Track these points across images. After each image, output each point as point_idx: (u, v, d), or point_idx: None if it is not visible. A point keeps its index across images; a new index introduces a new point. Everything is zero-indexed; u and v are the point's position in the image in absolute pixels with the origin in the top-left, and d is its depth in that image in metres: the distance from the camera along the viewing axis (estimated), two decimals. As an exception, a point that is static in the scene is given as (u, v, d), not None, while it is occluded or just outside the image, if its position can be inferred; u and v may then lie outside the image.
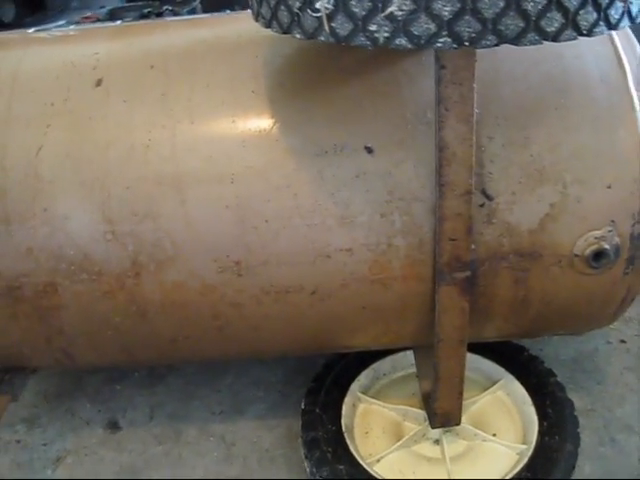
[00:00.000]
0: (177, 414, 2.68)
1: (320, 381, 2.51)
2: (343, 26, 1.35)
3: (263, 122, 1.84)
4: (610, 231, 1.90)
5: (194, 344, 2.09)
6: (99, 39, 2.10)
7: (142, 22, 2.19)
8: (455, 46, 1.31)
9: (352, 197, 1.81)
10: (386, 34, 1.32)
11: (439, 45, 1.31)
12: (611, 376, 2.77)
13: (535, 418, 2.38)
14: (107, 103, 1.90)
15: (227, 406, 2.70)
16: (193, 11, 3.13)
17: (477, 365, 2.55)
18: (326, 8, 1.35)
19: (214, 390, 2.77)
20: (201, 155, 1.83)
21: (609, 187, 1.87)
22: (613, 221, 1.90)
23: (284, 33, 1.49)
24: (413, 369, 2.55)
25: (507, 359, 2.57)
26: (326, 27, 1.37)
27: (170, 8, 2.91)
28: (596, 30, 1.35)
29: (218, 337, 2.05)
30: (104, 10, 3.30)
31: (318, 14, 1.36)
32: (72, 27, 2.15)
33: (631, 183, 1.88)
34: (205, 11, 3.24)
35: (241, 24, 1.88)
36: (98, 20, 3.21)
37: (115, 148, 1.85)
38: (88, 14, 3.28)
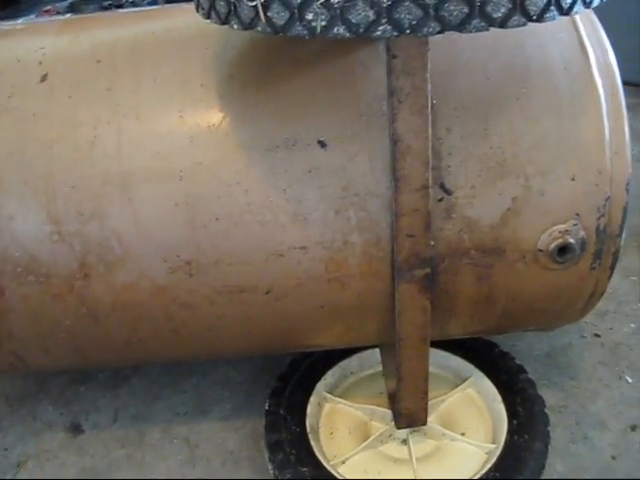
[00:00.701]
0: (141, 416, 2.62)
1: (285, 380, 2.44)
2: (279, 15, 1.29)
3: (212, 117, 1.77)
4: (575, 225, 1.85)
5: (148, 346, 2.03)
6: (46, 33, 2.02)
7: (91, 15, 2.11)
8: (395, 34, 1.24)
9: (305, 193, 1.75)
10: (323, 23, 1.26)
11: (378, 33, 1.24)
12: (585, 371, 2.72)
13: (505, 416, 2.32)
14: (52, 99, 1.83)
15: (191, 407, 2.64)
16: (154, 2, 3.06)
17: (446, 362, 2.50)
18: (262, -3, 1.28)
19: (179, 391, 2.70)
20: (148, 152, 1.76)
21: (573, 179, 1.81)
22: (578, 214, 1.84)
23: (222, 24, 1.42)
24: (380, 367, 2.50)
25: (477, 356, 2.51)
26: (262, 17, 1.31)
27: (130, 0, 2.84)
28: (547, 15, 1.28)
29: (172, 338, 1.98)
30: (65, 3, 3.21)
31: (253, 3, 1.30)
32: (20, 21, 2.07)
33: (595, 174, 1.83)
34: (168, 2, 3.16)
35: (193, 15, 1.79)
36: (58, 13, 3.12)
37: (60, 146, 1.78)
38: (48, 7, 3.19)
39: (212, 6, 1.43)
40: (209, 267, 1.80)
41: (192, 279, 1.81)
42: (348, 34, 1.25)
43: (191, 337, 1.98)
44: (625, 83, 1.90)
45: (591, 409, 2.56)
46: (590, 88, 1.82)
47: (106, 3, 2.86)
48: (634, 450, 2.40)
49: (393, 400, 2.25)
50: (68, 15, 2.42)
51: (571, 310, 2.11)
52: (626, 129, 1.85)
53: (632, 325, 2.92)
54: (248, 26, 1.35)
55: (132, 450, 2.49)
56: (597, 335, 2.86)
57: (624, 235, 1.94)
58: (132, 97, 1.80)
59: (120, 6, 2.84)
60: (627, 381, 2.67)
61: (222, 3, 1.38)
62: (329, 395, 2.43)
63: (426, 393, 2.11)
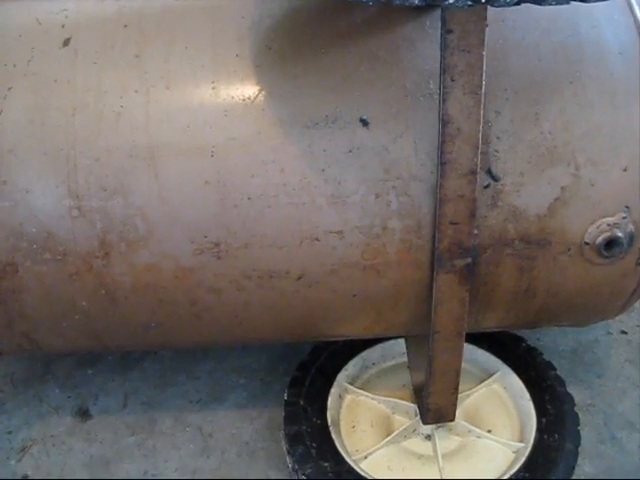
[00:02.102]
0: (152, 402, 2.52)
1: (305, 370, 2.35)
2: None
3: (248, 89, 1.66)
4: (624, 218, 1.74)
5: (169, 331, 1.92)
6: (69, -5, 1.90)
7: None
8: (470, 3, 1.13)
9: (344, 174, 1.64)
10: (391, -13, 1.15)
11: (451, 1, 1.13)
12: (612, 369, 2.63)
13: (533, 414, 2.23)
14: (75, 65, 1.71)
15: (205, 394, 2.54)
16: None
17: (472, 356, 2.40)
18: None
19: (192, 377, 2.60)
20: (178, 125, 1.65)
21: (625, 170, 1.71)
22: (627, 207, 1.74)
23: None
24: (404, 358, 2.40)
25: (504, 350, 2.42)
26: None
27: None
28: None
29: (195, 324, 1.88)
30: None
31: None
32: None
33: (649, 165, 1.72)
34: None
35: (227, -20, 1.70)
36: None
37: (83, 115, 1.66)
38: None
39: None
40: (239, 250, 1.69)
41: (220, 262, 1.71)
42: (417, 1, 1.14)
43: (214, 323, 1.88)
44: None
45: (619, 408, 2.48)
46: (647, 74, 1.72)
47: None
48: (663, 452, 2.32)
49: (420, 394, 2.16)
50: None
51: (611, 307, 2.01)
52: (682, 118, 1.75)
53: (660, 322, 2.83)
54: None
55: (143, 438, 2.39)
56: (624, 332, 2.77)
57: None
58: (162, 65, 1.69)
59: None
60: (655, 380, 2.58)
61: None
62: (350, 386, 2.34)
63: (457, 389, 2.02)
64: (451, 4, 1.13)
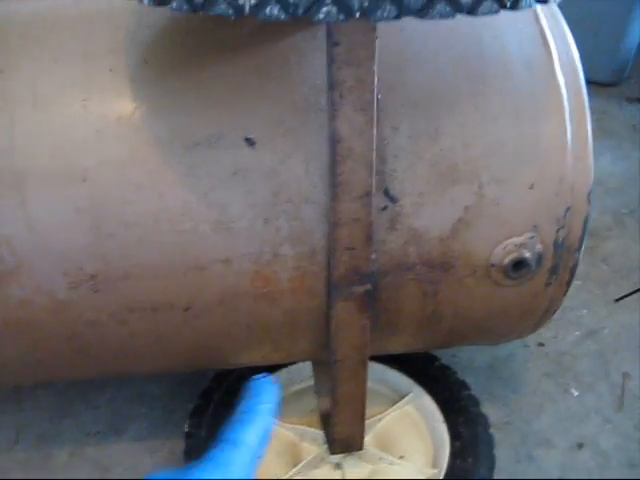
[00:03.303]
0: (47, 435, 2.34)
1: (207, 398, 2.22)
2: (199, -11, 1.05)
3: (123, 107, 1.52)
4: (532, 237, 1.66)
5: (50, 366, 1.77)
6: None
7: (-18, -18, 1.82)
8: (342, 17, 1.02)
9: (229, 198, 1.51)
10: (253, 1, 1.02)
11: (321, 16, 1.02)
12: (528, 384, 2.56)
13: (447, 437, 2.14)
14: None
15: (104, 425, 2.37)
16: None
17: (383, 376, 2.30)
18: (177, -35, 1.04)
19: (90, 407, 2.43)
20: (46, 147, 1.50)
21: (531, 187, 1.62)
22: (535, 226, 1.65)
23: (130, -3, 1.17)
24: (311, 381, 2.29)
25: (416, 369, 2.32)
26: (178, -10, 1.07)
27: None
28: (523, 3, 1.07)
29: (78, 358, 1.73)
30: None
31: (167, -27, 1.06)
32: None
33: (556, 183, 1.64)
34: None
35: (103, -13, 1.55)
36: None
37: (-59, 137, 1.51)
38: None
39: (118, -24, 1.18)
40: (117, 282, 1.55)
41: (97, 295, 1.56)
42: (283, 15, 1.02)
43: (98, 357, 1.73)
44: (589, 82, 1.71)
45: (535, 425, 2.40)
46: (552, 88, 1.63)
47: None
48: (581, 470, 2.26)
49: (326, 422, 2.05)
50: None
51: (522, 326, 1.94)
52: (589, 133, 1.67)
53: (577, 333, 2.77)
54: (161, 1, 1.11)
55: (35, 475, 2.22)
56: (541, 344, 2.70)
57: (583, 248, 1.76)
58: (28, 81, 1.53)
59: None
60: (573, 394, 2.52)
61: (130, -27, 1.14)
62: (255, 414, 2.21)
63: (363, 417, 1.92)
64: (321, 19, 1.01)
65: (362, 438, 1.97)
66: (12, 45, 1.58)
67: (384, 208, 1.56)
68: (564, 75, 1.66)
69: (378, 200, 1.54)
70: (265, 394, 1.24)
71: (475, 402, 2.25)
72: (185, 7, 1.08)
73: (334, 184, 1.45)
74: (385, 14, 1.02)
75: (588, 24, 3.99)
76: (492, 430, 2.19)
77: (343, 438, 1.95)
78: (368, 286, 1.60)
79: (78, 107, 1.51)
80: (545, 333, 2.72)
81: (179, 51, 1.57)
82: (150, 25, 1.60)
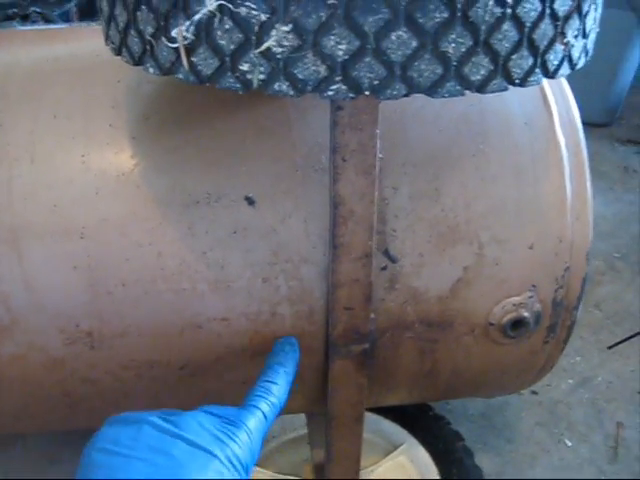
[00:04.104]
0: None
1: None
2: (207, 62, 1.04)
3: (122, 164, 1.50)
4: (531, 297, 1.65)
5: (43, 420, 1.75)
6: None
7: (-18, 33, 1.81)
8: (352, 95, 1.01)
9: (229, 258, 1.50)
10: (262, 76, 1.02)
11: (330, 93, 1.01)
12: (522, 433, 2.55)
13: (440, 491, 2.13)
14: None
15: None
16: (66, 15, 2.75)
17: (377, 426, 2.29)
18: (184, 38, 1.03)
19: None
20: (44, 203, 1.48)
21: (531, 247, 1.61)
22: (534, 285, 1.65)
23: (136, 64, 1.17)
24: (305, 430, 2.27)
25: (410, 420, 2.31)
26: (185, 62, 1.06)
27: (38, 10, 2.52)
28: (531, 79, 1.08)
29: (71, 413, 1.71)
30: (-42, 10, 2.83)
31: (175, 45, 1.05)
32: None
33: (555, 242, 1.63)
34: (82, 16, 2.87)
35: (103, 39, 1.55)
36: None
37: (-63, 191, 1.49)
38: None
39: (123, 42, 1.17)
40: (114, 339, 1.53)
41: (93, 352, 1.54)
42: (292, 92, 1.02)
43: (92, 412, 1.70)
44: (584, 123, 1.71)
45: (529, 475, 2.40)
46: (553, 147, 1.63)
47: (10, 12, 2.54)
48: (575, 523, 2.24)
49: (320, 474, 2.02)
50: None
51: (519, 383, 1.93)
52: (589, 192, 1.67)
53: (570, 381, 2.77)
54: (167, 71, 1.11)
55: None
56: (534, 392, 2.70)
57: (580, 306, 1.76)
58: (27, 136, 1.51)
59: (26, 17, 2.53)
60: (566, 444, 2.51)
61: (136, 40, 1.13)
62: (248, 464, 2.18)
63: (357, 472, 1.89)
64: (330, 96, 1.01)
65: (356, 492, 1.95)
66: (11, 99, 1.56)
67: (384, 268, 1.55)
68: (564, 134, 1.66)
69: (378, 260, 1.53)
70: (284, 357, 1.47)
71: (469, 453, 2.23)
72: (192, 79, 1.08)
73: (334, 245, 1.44)
74: (395, 92, 1.01)
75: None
76: (485, 481, 2.17)
77: (337, 492, 1.92)
78: (366, 345, 1.58)
79: (77, 163, 1.50)
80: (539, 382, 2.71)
81: (180, 107, 1.56)
82: (151, 80, 1.59)
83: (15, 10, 2.56)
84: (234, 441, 1.23)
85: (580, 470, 2.39)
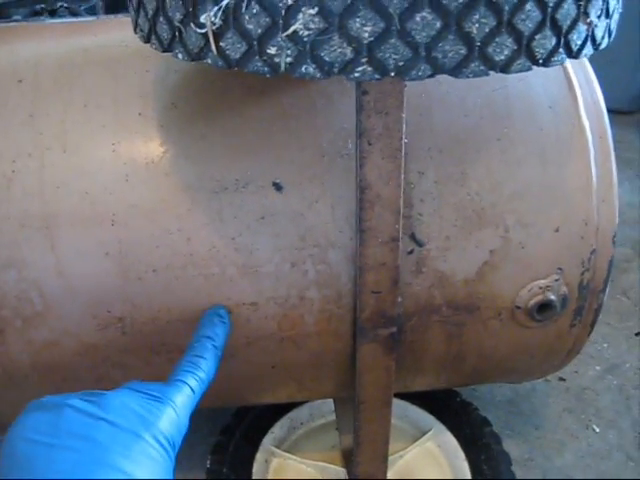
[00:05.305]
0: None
1: (228, 434, 2.21)
2: (235, 47, 1.06)
3: (151, 151, 1.53)
4: (557, 280, 1.66)
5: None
6: (-42, 44, 1.75)
7: (12, 25, 1.84)
8: (377, 76, 1.03)
9: (257, 243, 1.52)
10: (289, 59, 1.03)
11: (357, 75, 1.03)
12: (550, 420, 2.54)
13: (468, 475, 2.13)
14: (-38, 124, 1.56)
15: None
16: (92, 10, 2.79)
17: (405, 412, 2.30)
18: (213, 23, 1.05)
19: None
20: (75, 191, 1.51)
21: (557, 230, 1.62)
22: (560, 269, 1.65)
23: (164, 51, 1.19)
24: (333, 416, 2.29)
25: (438, 406, 2.32)
26: (213, 47, 1.08)
27: (66, 5, 2.56)
28: (555, 59, 1.08)
29: (102, 399, 1.73)
30: (-11, 6, 2.89)
31: (203, 30, 1.07)
32: None
33: (581, 225, 1.64)
34: (107, 10, 2.90)
35: (132, 31, 1.57)
36: (-19, 18, 2.81)
37: (-30, 181, 1.52)
38: (-35, 10, 2.85)
39: (152, 29, 1.19)
40: (145, 324, 1.56)
41: (125, 337, 1.57)
42: (319, 74, 1.03)
43: (123, 397, 1.73)
44: (607, 111, 1.71)
45: (557, 462, 2.39)
46: (577, 130, 1.63)
47: (38, 7, 2.59)
48: (603, 509, 2.24)
49: (349, 459, 2.04)
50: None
51: (546, 367, 1.93)
52: (614, 175, 1.67)
53: (597, 368, 2.77)
54: (196, 57, 1.13)
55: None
56: (562, 379, 2.69)
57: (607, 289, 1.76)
58: (58, 126, 1.54)
59: (53, 12, 2.57)
60: (594, 430, 2.51)
61: (165, 27, 1.15)
62: (277, 450, 2.21)
63: (386, 457, 1.90)
64: (357, 78, 1.02)
65: (384, 476, 1.96)
66: (42, 90, 1.59)
67: (410, 252, 1.57)
68: (589, 117, 1.66)
69: (404, 244, 1.55)
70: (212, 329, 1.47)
71: (497, 439, 2.23)
72: (220, 63, 1.10)
73: (361, 229, 1.46)
74: (420, 73, 1.03)
75: (605, 52, 3.99)
76: (514, 467, 2.17)
77: (366, 477, 1.94)
78: (394, 329, 1.60)
79: (108, 151, 1.53)
80: (566, 368, 2.69)
81: (207, 95, 1.58)
82: (179, 69, 1.62)
83: (43, 5, 2.61)
84: (160, 418, 1.21)
85: (608, 456, 2.39)
